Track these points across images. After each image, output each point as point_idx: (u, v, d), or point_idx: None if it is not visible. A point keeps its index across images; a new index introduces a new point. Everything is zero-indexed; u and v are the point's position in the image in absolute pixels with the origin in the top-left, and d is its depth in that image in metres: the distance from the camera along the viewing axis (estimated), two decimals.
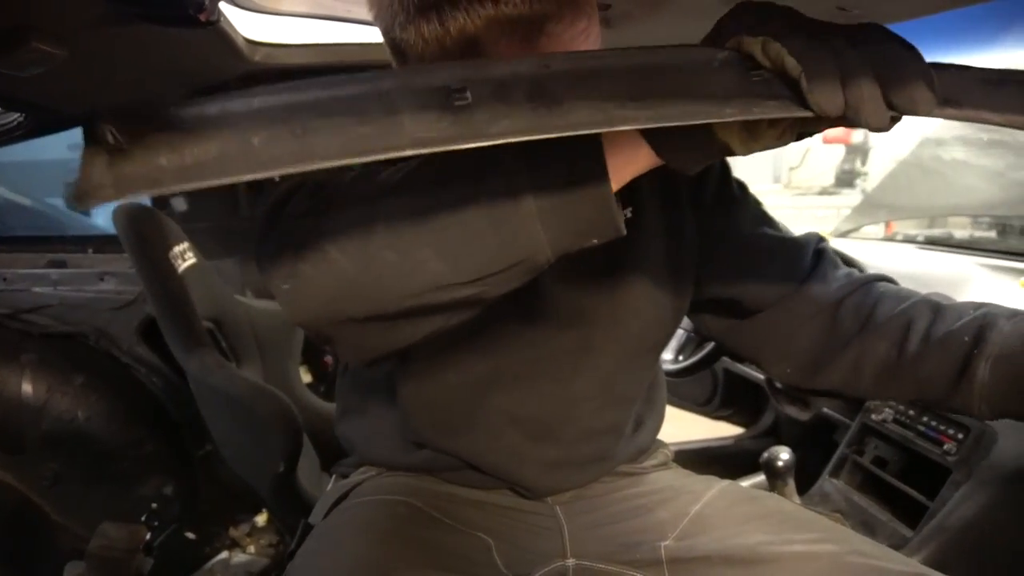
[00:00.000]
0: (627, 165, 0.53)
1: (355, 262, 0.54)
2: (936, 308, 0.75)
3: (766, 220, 0.90)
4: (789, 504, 0.87)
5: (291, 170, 0.35)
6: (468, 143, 0.36)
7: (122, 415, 1.81)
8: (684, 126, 0.43)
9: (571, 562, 0.82)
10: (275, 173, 0.36)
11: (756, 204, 0.92)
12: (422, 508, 0.83)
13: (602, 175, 0.50)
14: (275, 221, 0.58)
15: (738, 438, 2.19)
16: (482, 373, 0.82)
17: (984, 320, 0.70)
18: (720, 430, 2.29)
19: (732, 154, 0.51)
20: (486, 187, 0.51)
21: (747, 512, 0.83)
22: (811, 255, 0.85)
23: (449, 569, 0.73)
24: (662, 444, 1.00)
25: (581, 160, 0.50)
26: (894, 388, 0.78)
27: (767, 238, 0.87)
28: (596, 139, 0.50)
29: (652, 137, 0.51)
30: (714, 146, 0.50)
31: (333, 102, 0.37)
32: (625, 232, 0.53)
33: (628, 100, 0.41)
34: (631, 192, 0.77)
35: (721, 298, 0.88)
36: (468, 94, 0.38)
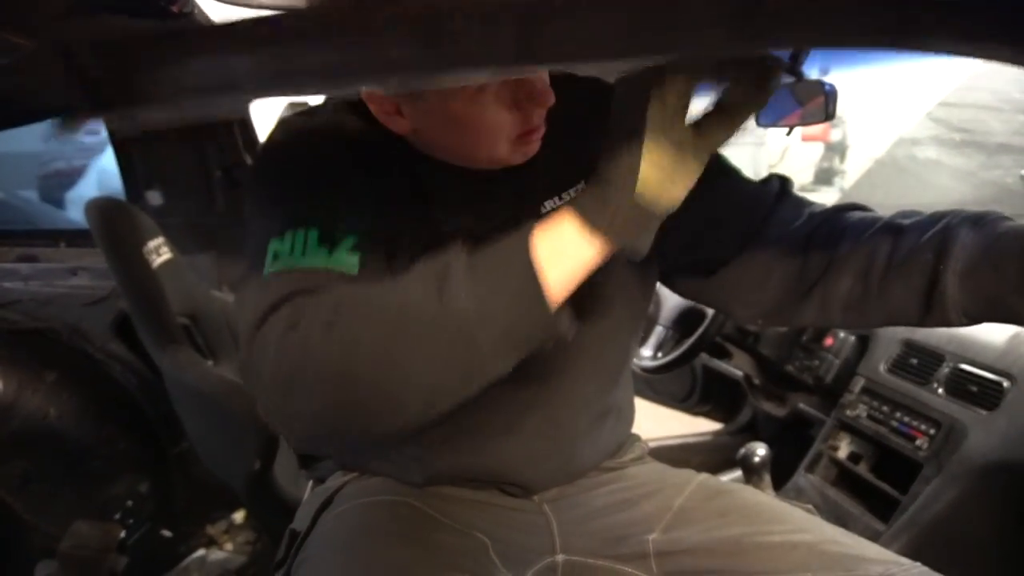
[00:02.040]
0: (574, 274, 0.58)
1: (339, 403, 0.57)
2: (897, 231, 0.73)
3: (722, 169, 0.86)
4: (764, 496, 0.89)
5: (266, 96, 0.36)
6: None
7: (95, 412, 1.79)
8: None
9: (561, 557, 0.83)
10: (250, 97, 0.37)
11: (714, 157, 0.89)
12: (422, 509, 0.83)
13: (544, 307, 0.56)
14: (258, 346, 0.58)
15: (716, 434, 2.21)
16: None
17: (945, 234, 0.68)
18: (699, 426, 2.31)
19: (665, 207, 0.58)
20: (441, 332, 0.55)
21: (726, 505, 0.85)
22: (772, 198, 0.83)
23: (460, 569, 0.74)
24: (637, 438, 1.00)
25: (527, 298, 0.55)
26: (864, 319, 0.78)
27: (723, 187, 0.84)
28: (531, 273, 0.55)
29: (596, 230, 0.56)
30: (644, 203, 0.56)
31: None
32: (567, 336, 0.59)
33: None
34: (586, 172, 0.79)
35: (688, 261, 0.87)
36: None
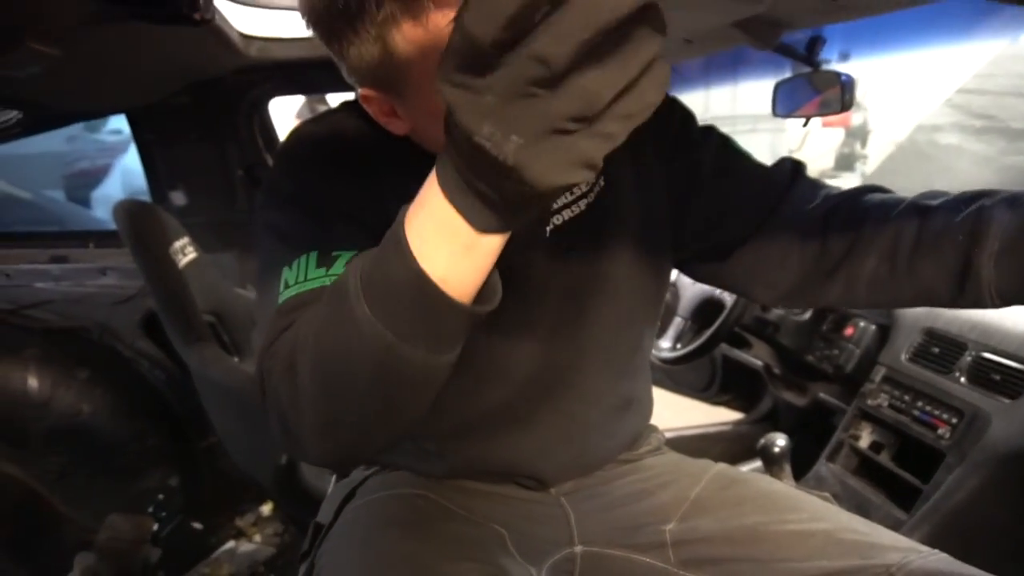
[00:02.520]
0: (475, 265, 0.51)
1: (317, 428, 0.58)
2: (924, 211, 0.72)
3: (733, 154, 0.86)
4: (781, 485, 0.88)
5: None
6: None
7: (126, 408, 1.84)
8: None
9: (579, 548, 0.84)
10: None
11: (722, 141, 0.87)
12: (439, 501, 0.84)
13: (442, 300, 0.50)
14: (260, 377, 0.61)
15: (736, 423, 2.20)
16: (486, 374, 0.81)
17: (980, 214, 0.67)
18: (719, 415, 2.31)
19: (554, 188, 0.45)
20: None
21: (742, 494, 0.85)
22: (785, 179, 0.82)
23: (477, 560, 0.75)
24: (654, 428, 1.01)
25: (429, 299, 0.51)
26: (891, 297, 0.76)
27: (735, 171, 0.84)
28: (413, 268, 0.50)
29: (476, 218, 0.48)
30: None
31: None
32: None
33: None
34: (604, 162, 0.79)
35: (705, 246, 0.86)
36: None
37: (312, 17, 0.66)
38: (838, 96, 1.14)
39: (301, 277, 0.63)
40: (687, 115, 0.88)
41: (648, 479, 0.91)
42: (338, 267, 0.62)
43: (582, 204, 0.79)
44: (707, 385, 2.39)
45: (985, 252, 0.66)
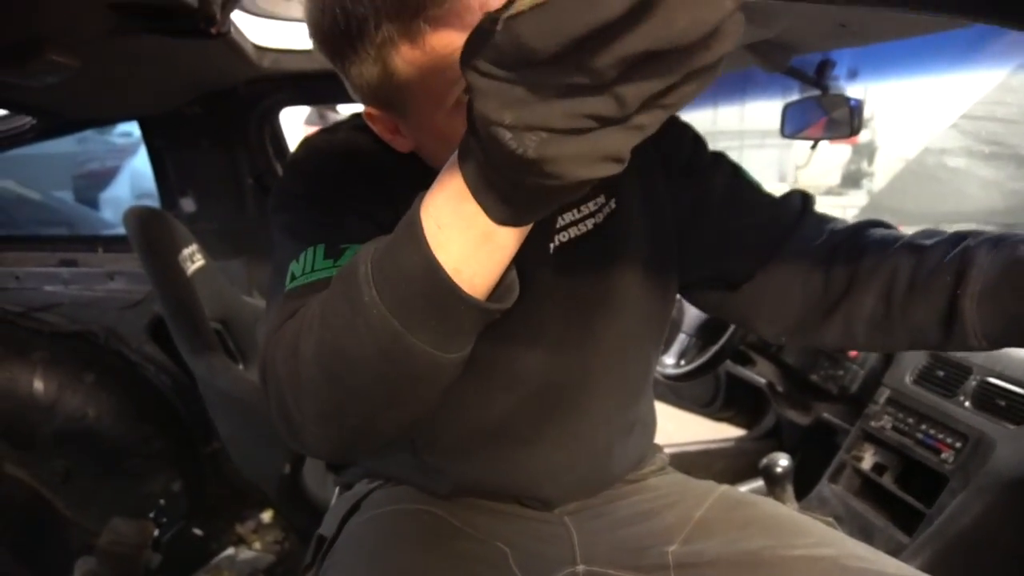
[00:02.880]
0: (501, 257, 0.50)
1: (320, 418, 0.57)
2: (919, 250, 0.71)
3: (743, 184, 0.85)
4: (785, 509, 0.88)
5: None
6: None
7: (131, 413, 1.84)
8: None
9: (581, 568, 0.83)
10: None
11: (733, 170, 0.86)
12: (444, 517, 0.85)
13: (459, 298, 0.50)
14: (262, 364, 0.61)
15: (739, 440, 2.20)
16: (490, 390, 0.81)
17: (964, 255, 0.67)
18: (722, 431, 2.30)
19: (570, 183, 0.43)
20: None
21: (747, 516, 0.85)
22: (794, 214, 0.82)
23: (468, 559, 0.76)
24: (658, 448, 1.01)
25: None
26: (888, 341, 0.75)
27: (745, 202, 0.84)
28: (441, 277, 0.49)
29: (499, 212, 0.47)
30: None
31: None
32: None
33: None
34: (612, 183, 0.77)
35: (709, 275, 0.86)
36: None
37: (317, 36, 0.68)
38: (847, 119, 1.14)
39: (308, 268, 0.63)
40: (698, 140, 0.87)
41: (652, 500, 0.91)
42: (346, 259, 0.62)
43: (589, 223, 0.79)
44: (710, 401, 2.39)
45: (968, 294, 0.65)
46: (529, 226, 0.49)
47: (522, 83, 0.36)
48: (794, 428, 1.97)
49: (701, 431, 2.27)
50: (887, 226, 0.80)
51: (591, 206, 0.79)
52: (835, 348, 0.79)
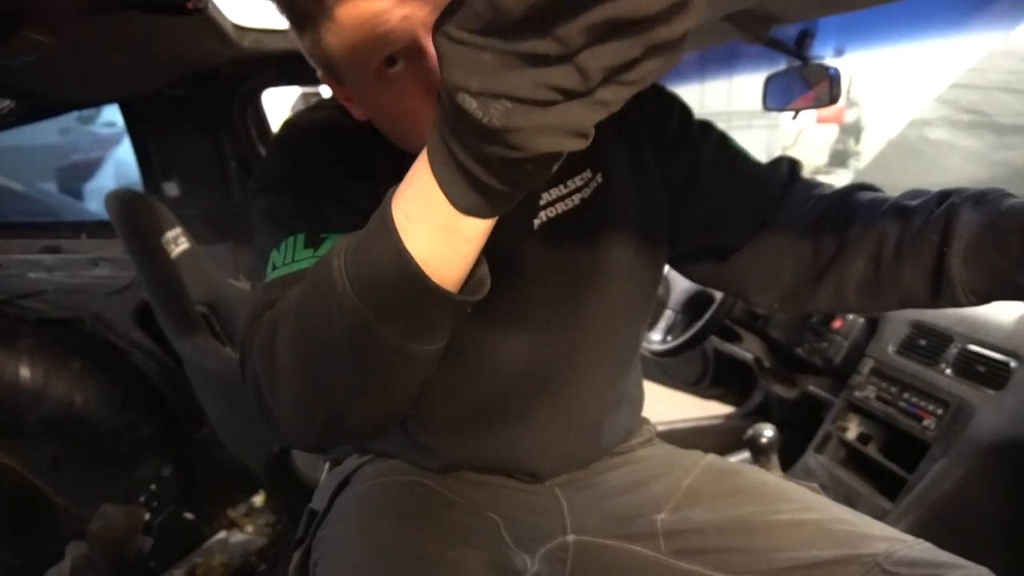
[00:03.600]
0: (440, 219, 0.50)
1: (296, 407, 0.58)
2: (905, 212, 0.72)
3: (732, 153, 0.85)
4: (771, 476, 0.90)
5: None
6: None
7: (119, 399, 1.84)
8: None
9: (572, 538, 0.85)
10: None
11: (721, 140, 0.86)
12: (435, 488, 0.85)
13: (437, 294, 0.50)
14: (241, 352, 0.62)
15: (728, 416, 2.22)
16: (480, 369, 0.81)
17: (949, 215, 0.68)
18: (711, 409, 2.32)
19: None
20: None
21: (734, 484, 0.86)
22: (782, 182, 0.82)
23: (476, 547, 0.76)
24: (646, 421, 1.02)
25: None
26: (879, 303, 0.76)
27: (734, 172, 0.84)
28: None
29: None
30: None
31: None
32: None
33: None
34: (599, 157, 0.79)
35: (701, 246, 0.86)
36: None
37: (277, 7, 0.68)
38: (826, 89, 1.15)
39: (288, 258, 0.63)
40: (686, 112, 0.87)
41: (641, 470, 0.92)
42: (325, 249, 0.62)
43: (576, 198, 0.79)
44: (699, 378, 2.41)
45: (954, 252, 0.67)
46: (493, 220, 0.49)
47: (490, 49, 0.36)
48: (782, 402, 1.99)
49: (691, 409, 2.29)
50: (874, 189, 0.81)
51: (577, 181, 0.79)
52: (828, 311, 0.80)
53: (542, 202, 0.78)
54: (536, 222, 0.78)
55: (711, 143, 0.85)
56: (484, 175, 0.43)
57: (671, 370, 2.44)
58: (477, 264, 0.53)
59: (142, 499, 1.75)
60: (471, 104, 0.38)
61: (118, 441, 1.83)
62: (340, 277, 0.51)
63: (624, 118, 0.77)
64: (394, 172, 0.72)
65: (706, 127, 0.86)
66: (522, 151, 0.39)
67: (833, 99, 1.15)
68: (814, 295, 0.79)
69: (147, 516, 1.64)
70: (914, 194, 0.75)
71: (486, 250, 0.66)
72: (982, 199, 0.68)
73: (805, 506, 0.80)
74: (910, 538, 0.75)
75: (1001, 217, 0.65)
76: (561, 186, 0.78)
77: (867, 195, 0.78)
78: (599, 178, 0.80)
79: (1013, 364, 1.23)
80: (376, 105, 0.68)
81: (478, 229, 0.49)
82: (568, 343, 0.83)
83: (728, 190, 0.83)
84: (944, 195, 0.72)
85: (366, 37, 0.61)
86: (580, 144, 0.39)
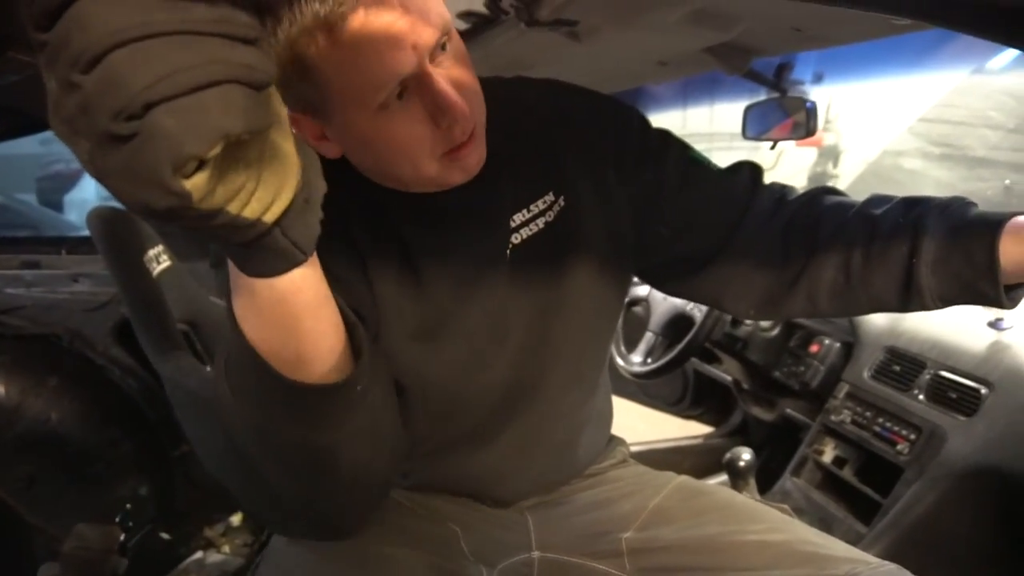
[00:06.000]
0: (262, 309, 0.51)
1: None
2: (872, 221, 0.74)
3: (694, 163, 0.85)
4: (741, 497, 0.91)
5: None
6: None
7: (97, 416, 1.82)
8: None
9: (536, 555, 0.85)
10: None
11: (682, 150, 0.85)
12: (398, 500, 0.86)
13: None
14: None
15: (707, 437, 2.24)
16: (455, 401, 0.80)
17: (916, 224, 0.71)
18: (691, 429, 2.34)
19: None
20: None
21: (703, 505, 0.87)
22: (746, 187, 0.83)
23: (420, 550, 0.77)
24: (620, 441, 1.02)
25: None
26: (851, 308, 0.79)
27: (698, 182, 0.83)
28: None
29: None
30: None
31: None
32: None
33: None
34: (560, 180, 0.78)
35: (670, 258, 0.86)
36: None
37: None
38: (803, 121, 1.18)
39: None
40: (645, 125, 0.86)
41: (610, 490, 0.93)
42: None
43: (540, 222, 0.78)
44: (679, 399, 2.42)
45: (923, 262, 0.70)
46: (306, 283, 0.50)
47: (51, 78, 0.34)
48: (760, 424, 2.01)
49: (672, 429, 2.30)
50: (838, 192, 0.82)
51: (540, 204, 0.78)
52: (802, 317, 0.82)
53: (512, 226, 0.77)
54: (507, 249, 0.77)
55: (673, 154, 0.84)
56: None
57: (652, 390, 2.46)
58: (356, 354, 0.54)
59: (118, 519, 1.72)
60: (76, 150, 0.35)
61: (95, 460, 1.81)
62: (221, 380, 0.53)
63: (584, 137, 0.80)
64: (359, 202, 0.69)
65: (666, 137, 0.86)
66: (128, 202, 0.35)
67: (809, 132, 1.19)
68: (788, 302, 0.81)
69: (122, 536, 1.61)
70: (879, 200, 0.77)
71: (459, 277, 0.67)
72: (947, 209, 0.71)
73: (773, 527, 0.81)
74: (875, 560, 0.76)
75: (966, 227, 0.68)
76: (524, 211, 0.78)
77: (832, 199, 0.80)
78: (562, 201, 0.79)
79: (984, 391, 1.26)
80: (370, 139, 0.63)
81: (273, 292, 0.49)
82: (539, 367, 0.82)
83: (693, 201, 0.83)
84: (910, 203, 0.74)
85: (378, 62, 0.57)
86: (166, 198, 0.35)
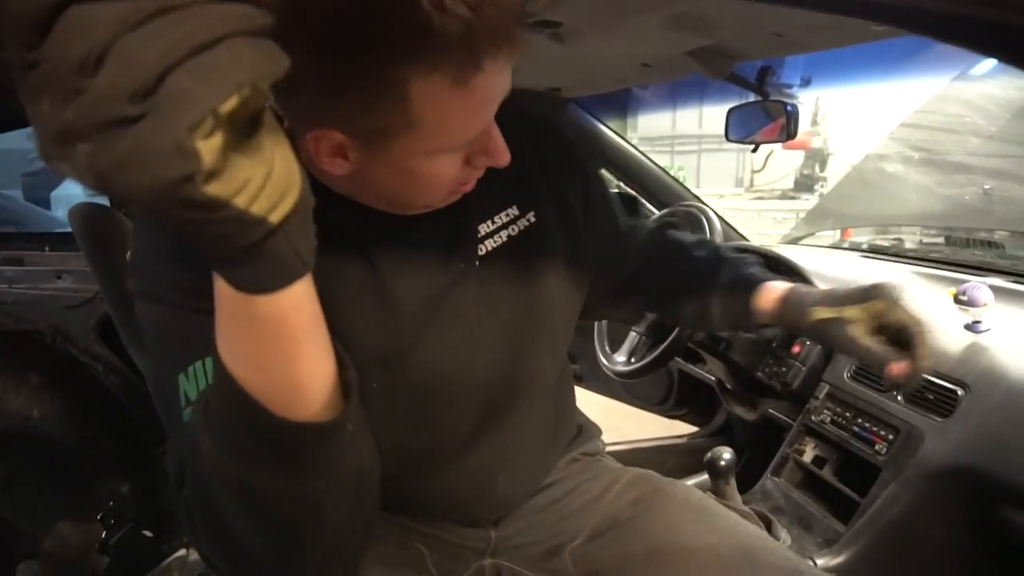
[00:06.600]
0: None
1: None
2: (693, 261, 1.00)
3: (603, 188, 0.97)
4: (696, 495, 0.93)
5: None
6: None
7: (78, 414, 1.81)
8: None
9: (488, 562, 0.87)
10: None
11: (596, 176, 0.96)
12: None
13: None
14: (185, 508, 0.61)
15: (691, 436, 2.25)
16: (428, 423, 0.79)
17: (715, 270, 0.95)
18: (676, 429, 2.35)
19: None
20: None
21: (653, 503, 0.90)
22: (631, 234, 1.01)
23: (387, 563, 0.78)
24: (591, 435, 1.04)
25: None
26: (672, 322, 1.12)
27: (604, 209, 0.95)
28: None
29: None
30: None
31: None
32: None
33: None
34: (526, 193, 0.81)
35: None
36: None
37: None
38: (784, 124, 1.19)
39: (202, 388, 0.58)
40: (596, 176, 0.94)
41: (568, 489, 0.94)
42: None
43: (504, 235, 0.79)
44: (664, 399, 2.44)
45: (715, 295, 0.93)
46: (298, 305, 0.48)
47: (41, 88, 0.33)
48: (743, 424, 2.02)
49: (658, 429, 2.31)
50: (672, 225, 0.98)
51: (503, 217, 0.79)
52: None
53: (479, 236, 0.78)
54: (476, 259, 0.77)
55: (592, 179, 0.92)
56: (198, 242, 0.41)
57: (638, 391, 2.47)
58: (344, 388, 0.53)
59: (99, 517, 1.71)
60: (70, 164, 0.34)
61: (76, 458, 1.80)
62: (201, 431, 0.50)
63: (551, 164, 0.84)
64: (333, 230, 0.69)
65: (601, 181, 0.97)
66: (136, 185, 0.34)
67: (790, 135, 1.20)
68: (632, 310, 1.10)
69: (103, 534, 1.60)
70: (700, 244, 1.03)
71: (430, 290, 0.69)
72: (735, 263, 0.95)
73: (714, 527, 0.84)
74: (807, 567, 0.78)
75: (743, 279, 0.92)
76: (490, 221, 0.79)
77: (673, 237, 1.05)
78: (531, 217, 0.81)
79: (960, 392, 1.28)
80: (411, 172, 0.62)
81: (283, 310, 0.47)
82: (510, 382, 0.82)
83: (602, 229, 0.93)
84: (715, 252, 0.99)
85: (479, 117, 0.60)
86: (185, 164, 0.34)
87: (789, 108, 1.21)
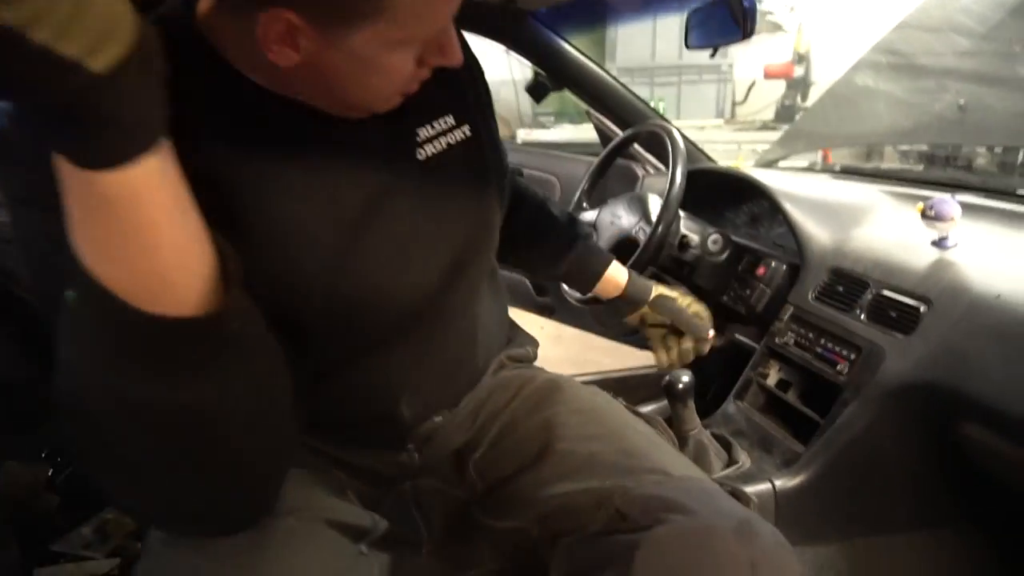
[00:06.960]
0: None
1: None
2: (553, 220, 1.17)
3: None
4: (603, 397, 0.95)
5: None
6: None
7: (18, 352, 1.74)
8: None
9: (408, 485, 0.87)
10: None
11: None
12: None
13: None
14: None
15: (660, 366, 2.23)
16: (365, 308, 0.76)
17: (569, 235, 1.16)
18: (647, 359, 2.33)
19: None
20: None
21: (547, 410, 0.89)
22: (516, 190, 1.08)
23: (313, 521, 0.75)
24: (523, 343, 1.05)
25: None
26: (526, 270, 1.46)
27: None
28: None
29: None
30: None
31: None
32: None
33: None
34: (461, 107, 0.80)
35: None
36: None
37: None
38: (740, 24, 1.11)
39: None
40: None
41: (483, 398, 0.94)
42: None
43: (443, 142, 0.78)
44: (635, 329, 2.40)
45: (566, 260, 1.16)
46: (145, 184, 0.42)
47: None
48: (711, 350, 1.99)
49: (636, 360, 2.29)
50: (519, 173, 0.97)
51: (441, 124, 0.78)
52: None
53: (418, 140, 0.76)
54: (416, 163, 0.76)
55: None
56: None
57: (607, 321, 2.43)
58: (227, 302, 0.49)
59: (43, 455, 1.67)
60: None
61: (19, 397, 1.74)
62: (66, 341, 0.48)
63: (478, 83, 0.84)
64: (267, 126, 0.67)
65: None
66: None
67: (747, 34, 1.12)
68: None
69: (50, 472, 1.56)
70: (546, 199, 1.18)
71: (372, 185, 0.69)
72: (584, 236, 1.20)
73: (599, 435, 0.84)
74: (682, 474, 0.77)
75: (587, 249, 1.19)
76: (428, 126, 0.77)
77: (523, 184, 1.16)
78: (467, 131, 0.80)
79: (923, 309, 1.24)
80: (364, 66, 0.60)
81: (133, 187, 0.41)
82: (436, 301, 0.80)
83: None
84: (568, 217, 1.21)
85: (446, 5, 0.60)
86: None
87: (747, 4, 1.12)
